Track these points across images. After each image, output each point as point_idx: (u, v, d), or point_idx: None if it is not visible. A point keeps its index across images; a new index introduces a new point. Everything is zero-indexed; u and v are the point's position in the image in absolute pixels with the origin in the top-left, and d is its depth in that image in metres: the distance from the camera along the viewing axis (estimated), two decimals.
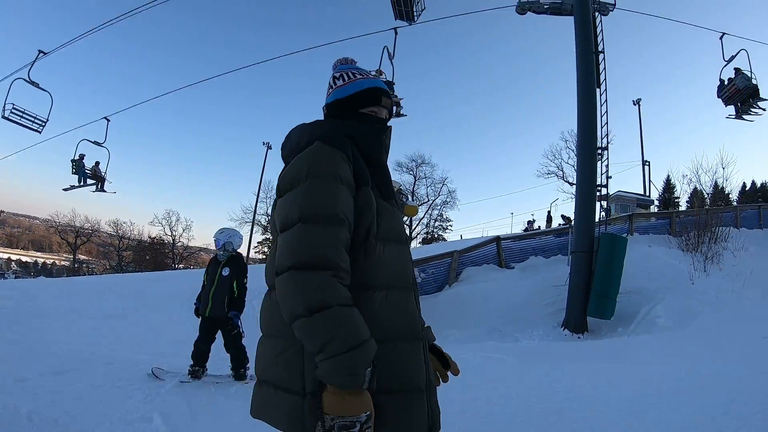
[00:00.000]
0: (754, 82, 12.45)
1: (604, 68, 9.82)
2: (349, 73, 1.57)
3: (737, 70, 12.72)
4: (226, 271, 5.60)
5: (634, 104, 27.26)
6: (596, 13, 10.26)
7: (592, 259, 8.85)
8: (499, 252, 11.91)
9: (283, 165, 1.45)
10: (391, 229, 1.36)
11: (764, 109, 12.79)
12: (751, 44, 13.01)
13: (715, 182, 17.60)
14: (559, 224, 20.76)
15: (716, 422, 3.33)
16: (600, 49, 9.98)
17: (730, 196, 30.18)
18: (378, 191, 1.38)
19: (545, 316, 9.31)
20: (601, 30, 10.25)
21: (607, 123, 9.58)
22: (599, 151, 9.24)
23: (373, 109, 1.53)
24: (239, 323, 5.62)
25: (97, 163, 15.25)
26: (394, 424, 1.24)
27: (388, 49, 10.93)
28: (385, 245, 1.33)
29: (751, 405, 3.55)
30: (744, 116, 13.20)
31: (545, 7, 10.91)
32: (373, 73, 11.71)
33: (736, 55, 12.44)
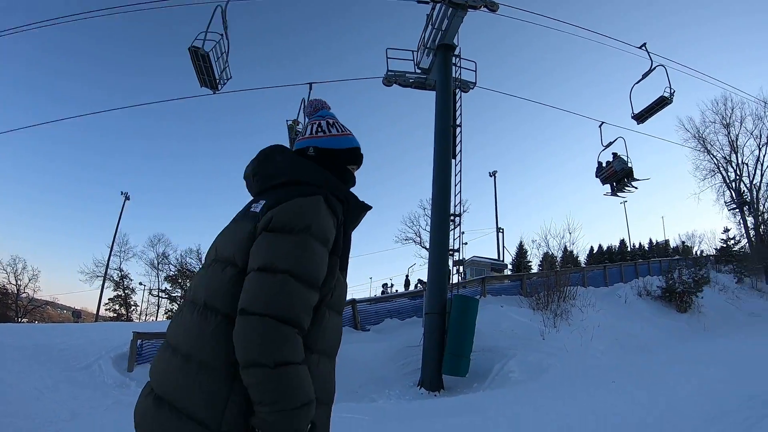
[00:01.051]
0: (629, 165, 14.37)
1: (460, 141, 10.66)
2: (340, 125, 1.63)
3: (615, 155, 14.70)
4: None
5: (490, 176, 29.78)
6: (457, 90, 11.22)
7: (445, 320, 9.20)
8: (355, 314, 11.96)
9: (255, 177, 1.49)
10: (340, 301, 1.42)
11: (636, 188, 14.79)
12: (626, 132, 15.08)
13: (565, 247, 19.46)
14: (417, 287, 21.63)
15: None
16: (458, 122, 10.84)
17: (579, 258, 33.48)
18: (340, 262, 1.41)
19: (401, 376, 9.41)
20: (460, 105, 11.16)
21: (460, 192, 10.29)
22: (452, 218, 9.88)
23: (354, 167, 1.62)
24: None
25: None
26: None
27: (304, 101, 11.25)
28: (331, 314, 1.37)
29: None
30: (619, 194, 15.20)
31: (410, 81, 11.81)
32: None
33: (614, 141, 14.50)
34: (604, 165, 15.00)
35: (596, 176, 15.30)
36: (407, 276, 32.10)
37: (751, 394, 5.20)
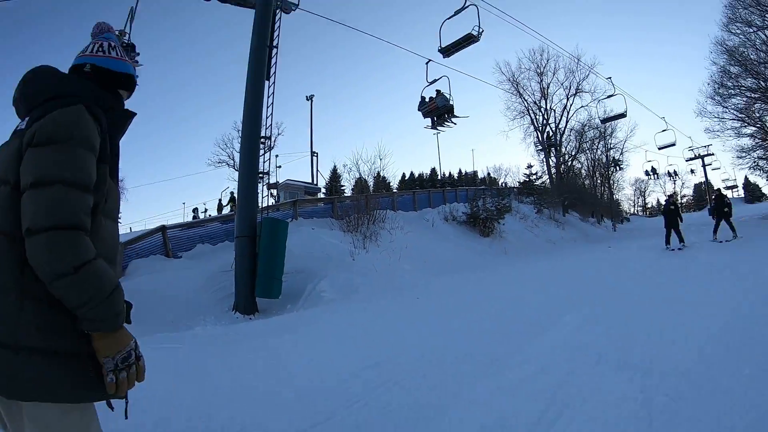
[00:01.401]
0: (451, 102, 15.33)
1: (276, 62, 10.33)
2: (120, 50, 1.67)
3: (438, 92, 15.52)
4: None
5: (307, 99, 29.93)
6: (278, 10, 10.71)
7: (255, 243, 9.21)
8: (166, 242, 11.45)
9: (21, 99, 1.48)
10: (114, 208, 1.46)
11: (456, 124, 15.92)
12: (450, 71, 15.88)
13: (378, 172, 20.65)
14: (231, 211, 21.34)
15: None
16: (275, 43, 10.43)
17: (391, 184, 36.14)
18: (110, 170, 1.43)
19: (216, 301, 9.33)
20: (279, 26, 10.69)
21: (272, 114, 10.10)
22: (263, 140, 9.74)
23: (125, 93, 1.67)
24: None
25: None
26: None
27: (133, 10, 10.93)
28: (106, 221, 1.40)
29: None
30: (439, 127, 16.19)
31: None
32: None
33: (438, 79, 15.36)
34: (427, 100, 15.95)
35: (418, 110, 16.23)
36: (220, 200, 30.81)
37: (530, 315, 5.97)
